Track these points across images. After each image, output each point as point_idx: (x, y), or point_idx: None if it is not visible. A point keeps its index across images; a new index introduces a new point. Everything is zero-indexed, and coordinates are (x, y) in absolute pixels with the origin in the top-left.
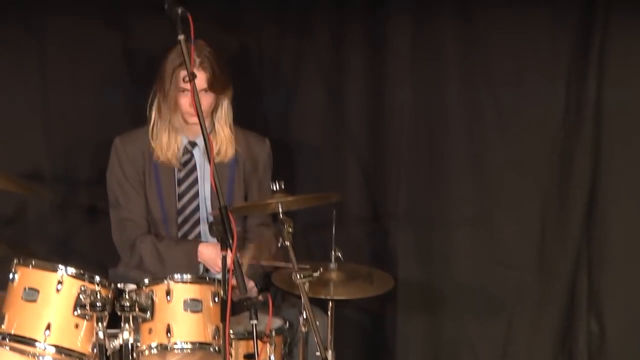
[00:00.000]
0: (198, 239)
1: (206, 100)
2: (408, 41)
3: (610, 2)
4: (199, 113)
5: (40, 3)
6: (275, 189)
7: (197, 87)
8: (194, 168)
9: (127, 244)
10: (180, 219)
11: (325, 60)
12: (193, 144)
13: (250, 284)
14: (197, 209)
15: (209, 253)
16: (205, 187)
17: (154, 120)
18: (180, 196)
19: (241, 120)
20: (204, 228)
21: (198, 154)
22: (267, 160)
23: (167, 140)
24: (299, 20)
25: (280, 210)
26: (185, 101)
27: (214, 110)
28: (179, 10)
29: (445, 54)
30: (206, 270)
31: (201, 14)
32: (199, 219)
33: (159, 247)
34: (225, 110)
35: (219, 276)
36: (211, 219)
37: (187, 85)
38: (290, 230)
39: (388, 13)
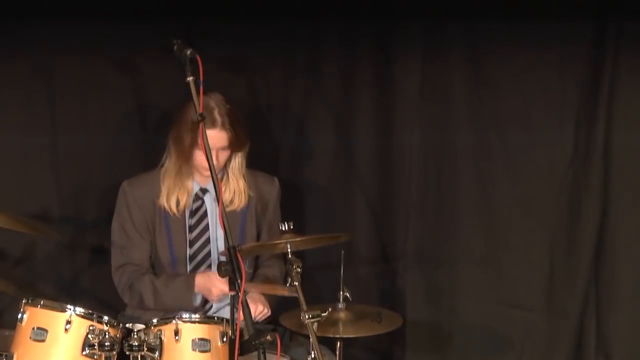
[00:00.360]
0: (194, 272)
1: (223, 155)
2: (416, 82)
3: (619, 44)
4: (208, 158)
5: (49, 43)
6: (284, 229)
7: (218, 146)
8: (205, 214)
9: (127, 286)
10: (191, 265)
11: (333, 101)
12: (204, 191)
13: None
14: (208, 254)
15: (204, 282)
16: (217, 231)
17: (169, 168)
18: (192, 242)
19: (250, 160)
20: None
21: (209, 200)
22: (276, 200)
23: (177, 188)
24: (307, 60)
25: (289, 250)
26: (202, 157)
27: (228, 160)
28: (188, 52)
29: (453, 95)
30: (205, 301)
31: (210, 55)
32: (211, 264)
33: (156, 283)
34: (238, 160)
35: (228, 316)
36: (221, 259)
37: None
38: (299, 270)
39: (396, 54)
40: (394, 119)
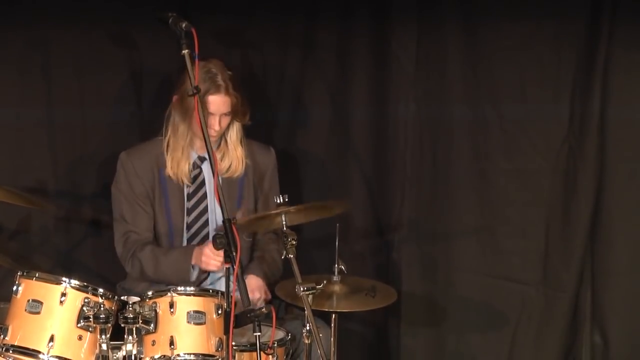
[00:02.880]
0: (194, 245)
1: (225, 121)
2: (412, 54)
3: (615, 18)
4: (203, 128)
5: (44, 17)
6: (279, 202)
7: (222, 110)
8: (203, 183)
9: (129, 254)
10: (189, 234)
11: (330, 73)
12: (202, 159)
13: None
14: (206, 223)
15: (200, 253)
16: (215, 202)
17: (169, 136)
18: (190, 211)
19: (245, 132)
20: None
21: (207, 168)
22: (273, 169)
23: (180, 156)
24: (303, 33)
25: (284, 222)
26: (210, 124)
27: (227, 128)
28: (183, 25)
29: (449, 69)
30: (203, 272)
31: (206, 28)
32: (208, 233)
33: (157, 252)
34: (236, 128)
35: (223, 288)
36: (216, 232)
37: (212, 109)
38: (294, 243)
39: (392, 27)
40: (389, 91)
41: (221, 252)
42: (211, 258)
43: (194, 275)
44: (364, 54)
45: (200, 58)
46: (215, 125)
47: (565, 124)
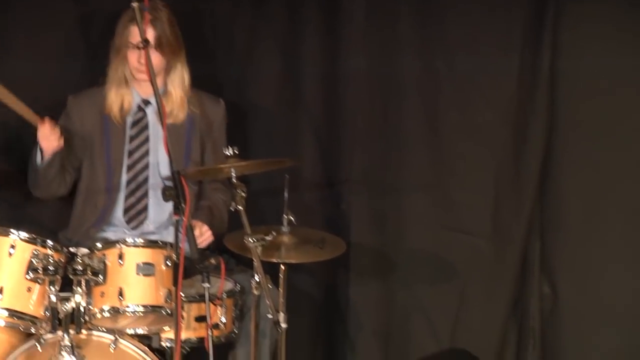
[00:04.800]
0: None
1: (154, 58)
2: (363, 9)
3: None
4: (152, 77)
5: None
6: (228, 154)
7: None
8: (146, 126)
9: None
10: (129, 176)
11: (279, 26)
12: (147, 102)
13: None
14: (146, 166)
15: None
16: (158, 149)
17: (110, 76)
18: (131, 152)
19: (195, 84)
20: (152, 184)
21: (151, 112)
22: (222, 121)
23: (117, 93)
24: None
25: (234, 175)
26: (133, 56)
27: (167, 72)
28: None
29: (400, 23)
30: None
31: None
32: (147, 176)
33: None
34: (178, 73)
35: (172, 240)
36: (164, 184)
37: (135, 40)
38: (244, 194)
39: None
40: (340, 45)
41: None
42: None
43: (39, 157)
44: (315, 7)
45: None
46: (141, 59)
47: (515, 77)
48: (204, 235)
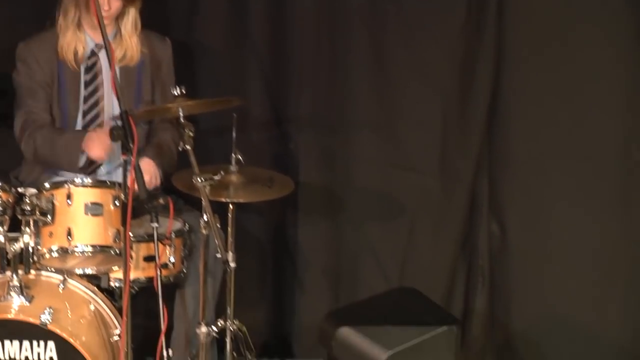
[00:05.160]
0: (88, 130)
1: (115, 4)
2: None
3: None
4: (99, 19)
5: None
6: (176, 93)
7: None
8: (100, 71)
9: (26, 133)
10: (84, 121)
11: None
12: (100, 47)
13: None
14: (101, 111)
15: (89, 139)
16: (112, 93)
17: (60, 20)
18: (86, 98)
19: (142, 24)
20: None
21: (103, 56)
22: (169, 60)
23: (71, 39)
24: None
25: (181, 114)
26: (99, 3)
27: (120, 16)
28: None
29: None
30: (91, 163)
31: None
32: (102, 121)
33: (53, 132)
34: (132, 17)
35: (120, 179)
36: (112, 123)
37: None
38: (191, 134)
39: None
40: None
41: (107, 140)
42: (97, 144)
43: (82, 160)
44: None
45: None
46: (104, 5)
47: (462, 13)
48: (150, 172)
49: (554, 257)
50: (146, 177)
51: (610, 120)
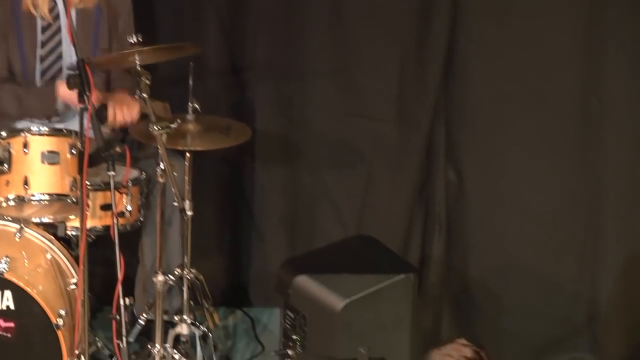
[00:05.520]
0: (56, 80)
1: None
2: None
3: None
4: None
5: None
6: (133, 41)
7: None
8: (57, 16)
9: None
10: (42, 67)
11: None
12: None
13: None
14: (59, 56)
15: (62, 87)
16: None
17: None
18: (44, 44)
19: None
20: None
21: (62, 2)
22: (129, 9)
23: None
24: None
25: (138, 62)
26: None
27: None
28: None
29: None
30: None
31: None
32: (61, 67)
33: (18, 90)
34: None
35: (77, 128)
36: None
37: None
38: (148, 82)
39: None
40: None
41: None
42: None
43: (60, 106)
44: None
45: None
46: None
47: None
48: (129, 107)
49: (511, 205)
50: (124, 110)
51: (569, 70)
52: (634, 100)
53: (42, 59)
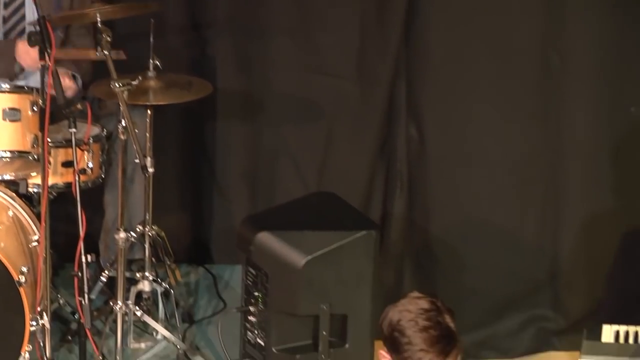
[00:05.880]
0: (17, 37)
1: None
2: None
3: None
4: None
5: None
6: None
7: None
8: None
9: None
10: (5, 28)
11: None
12: None
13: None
14: (23, 17)
15: (25, 48)
16: None
17: None
18: (6, 4)
19: None
20: None
21: None
22: None
23: None
24: None
25: (99, 19)
26: None
27: None
28: None
29: None
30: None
31: None
32: (25, 27)
33: None
34: None
35: (38, 85)
36: (30, 29)
37: None
38: (109, 39)
39: None
40: None
41: (36, 49)
42: (27, 53)
43: (17, 68)
44: None
45: None
46: None
47: None
48: (67, 85)
49: (473, 161)
50: (66, 82)
51: (529, 25)
52: (593, 54)
53: (5, 20)
